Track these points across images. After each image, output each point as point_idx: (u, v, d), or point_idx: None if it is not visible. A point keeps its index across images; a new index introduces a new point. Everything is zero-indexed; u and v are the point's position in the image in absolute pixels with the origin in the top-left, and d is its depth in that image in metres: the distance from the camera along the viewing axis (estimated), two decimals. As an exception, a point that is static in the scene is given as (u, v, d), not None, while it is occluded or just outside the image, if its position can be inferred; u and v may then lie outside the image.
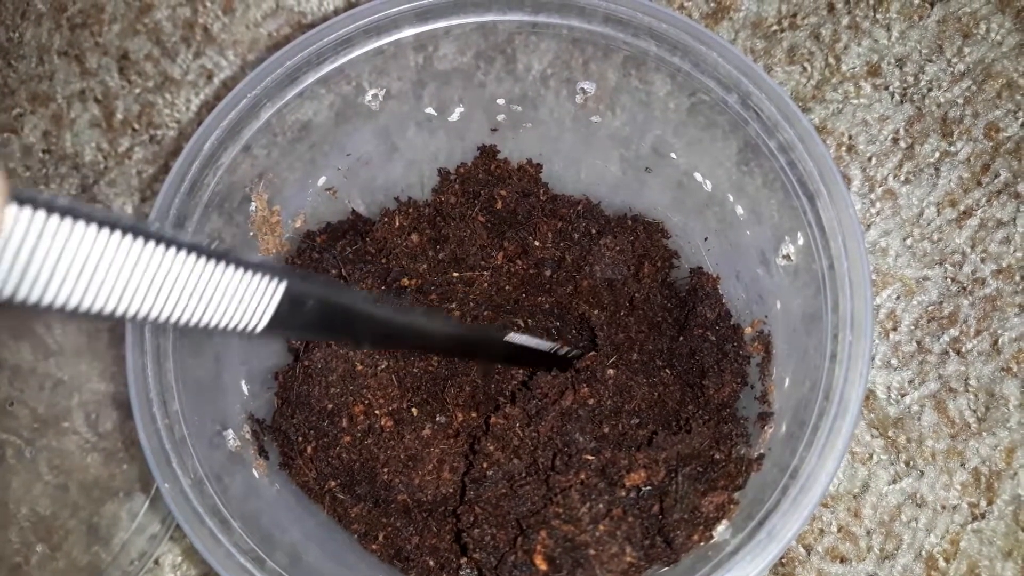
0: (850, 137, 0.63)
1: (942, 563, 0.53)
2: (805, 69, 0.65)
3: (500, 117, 0.52)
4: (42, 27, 0.72)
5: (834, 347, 0.38)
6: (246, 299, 0.29)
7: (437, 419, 0.49)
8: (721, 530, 0.40)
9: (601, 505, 0.39)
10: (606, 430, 0.44)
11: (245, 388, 0.47)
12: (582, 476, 0.40)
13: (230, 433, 0.43)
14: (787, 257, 0.44)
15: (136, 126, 0.68)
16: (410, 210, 0.52)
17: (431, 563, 0.47)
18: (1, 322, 0.63)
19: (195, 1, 0.71)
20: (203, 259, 0.27)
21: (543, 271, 0.54)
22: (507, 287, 0.54)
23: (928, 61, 0.64)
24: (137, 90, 0.69)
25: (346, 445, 0.46)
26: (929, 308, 0.58)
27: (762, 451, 0.42)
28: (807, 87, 0.64)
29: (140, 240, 0.25)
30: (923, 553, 0.53)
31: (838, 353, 0.38)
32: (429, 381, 0.50)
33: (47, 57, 0.71)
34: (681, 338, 0.50)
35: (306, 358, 0.47)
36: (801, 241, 0.42)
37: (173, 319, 0.27)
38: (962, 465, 0.54)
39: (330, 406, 0.46)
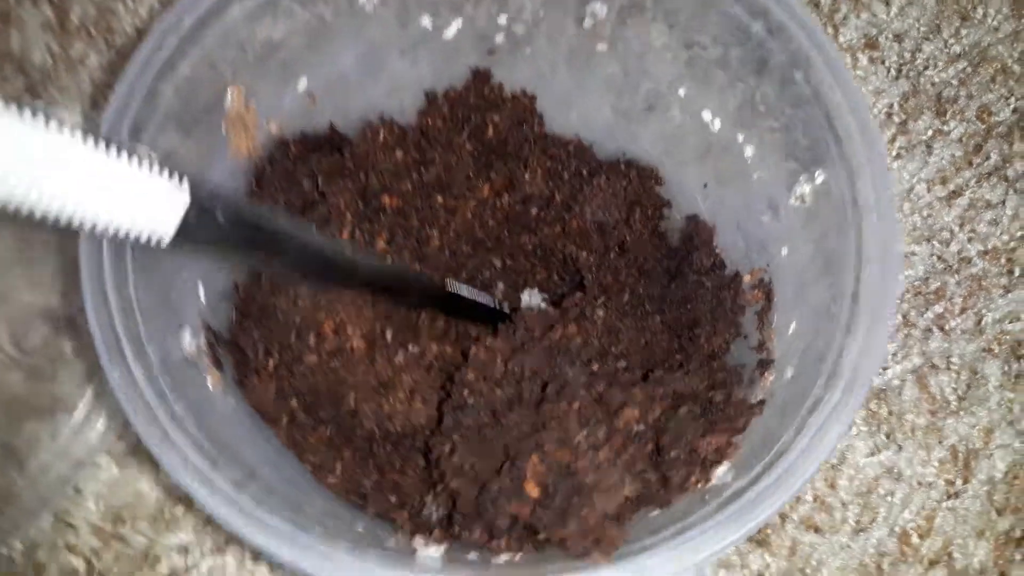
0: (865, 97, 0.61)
1: (915, 539, 0.51)
2: (803, 35, 0.63)
3: (499, 38, 0.49)
4: (-7, -84, 0.66)
5: (856, 286, 0.36)
6: (150, 203, 0.27)
7: (410, 348, 0.45)
8: (721, 472, 0.37)
9: (600, 433, 0.36)
10: (595, 368, 0.41)
11: (202, 293, 0.42)
12: (576, 406, 0.37)
13: (187, 332, 0.39)
14: (800, 198, 0.42)
15: (92, 31, 0.63)
16: (394, 128, 0.49)
17: (392, 499, 0.43)
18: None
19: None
20: (102, 148, 0.25)
21: (530, 208, 0.51)
22: (491, 222, 0.51)
23: (925, 39, 0.63)
24: (96, -9, 0.64)
25: (312, 365, 0.42)
26: (915, 283, 0.56)
27: (762, 397, 0.40)
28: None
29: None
30: (897, 528, 0.51)
31: (861, 291, 0.36)
32: (404, 309, 0.47)
33: (-4, -52, 0.65)
34: (673, 285, 0.47)
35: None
36: (820, 180, 0.40)
37: (69, 217, 0.24)
38: (940, 442, 0.53)
39: (298, 319, 0.42)
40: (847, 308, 0.36)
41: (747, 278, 0.46)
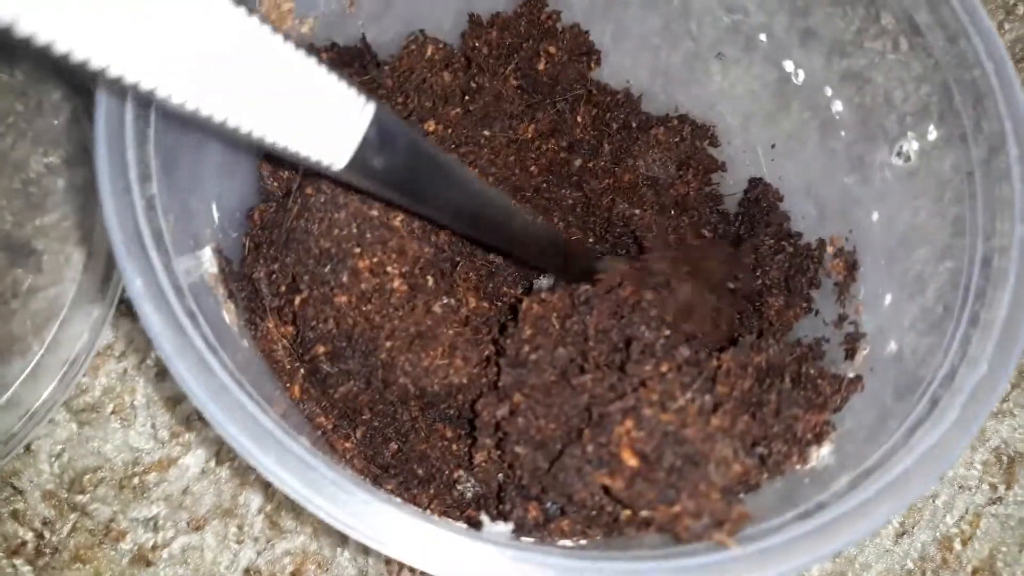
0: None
1: (958, 545, 0.48)
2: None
3: (562, -42, 0.44)
4: None
5: (987, 249, 0.32)
6: (332, 120, 0.24)
7: (446, 300, 0.39)
8: (823, 454, 0.32)
9: (708, 396, 0.31)
10: (669, 333, 0.35)
11: (216, 215, 0.35)
12: (665, 368, 0.32)
13: (206, 253, 0.32)
14: (905, 155, 0.38)
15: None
16: (441, 45, 0.43)
17: (419, 472, 0.37)
18: None
19: None
20: (297, 51, 0.23)
21: (574, 158, 0.46)
22: (532, 168, 0.45)
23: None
24: None
25: (341, 305, 0.36)
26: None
27: (859, 372, 0.35)
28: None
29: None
30: (939, 534, 0.48)
31: (994, 256, 0.32)
32: (440, 256, 0.41)
33: None
34: (743, 248, 0.42)
35: (309, 185, 0.36)
36: (934, 135, 0.36)
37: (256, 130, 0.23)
38: (983, 443, 0.50)
39: (332, 249, 0.35)
40: (974, 281, 0.31)
41: (829, 249, 0.42)
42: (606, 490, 0.30)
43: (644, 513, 0.29)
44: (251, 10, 0.22)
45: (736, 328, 0.41)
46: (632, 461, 0.29)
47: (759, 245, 0.43)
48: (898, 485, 0.27)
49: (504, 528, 0.31)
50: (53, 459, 0.44)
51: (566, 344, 0.34)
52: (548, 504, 0.33)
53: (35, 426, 0.45)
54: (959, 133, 0.34)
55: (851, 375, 0.35)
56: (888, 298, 0.37)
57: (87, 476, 0.44)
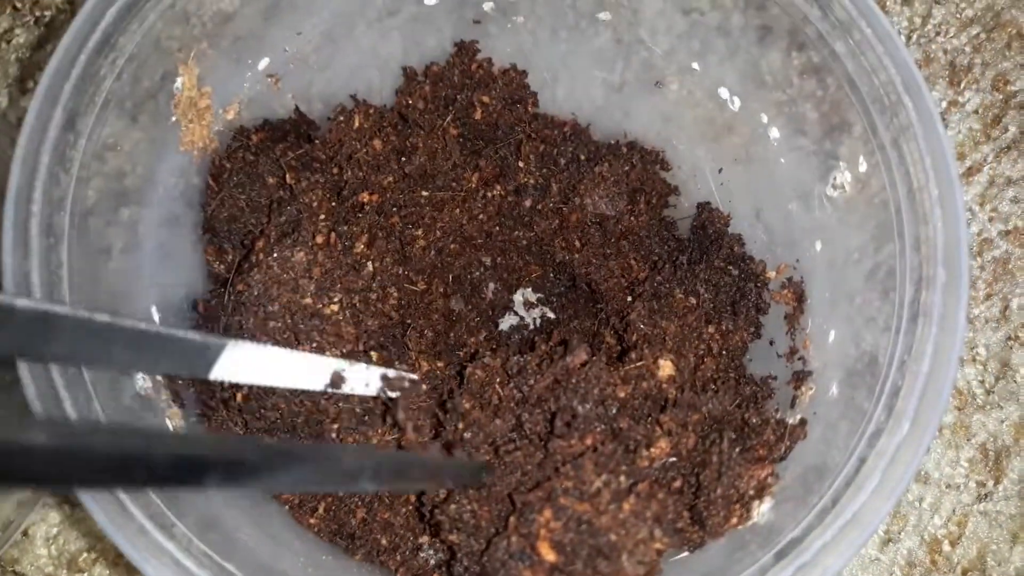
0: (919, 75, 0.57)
1: (947, 547, 0.47)
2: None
3: (487, 6, 0.43)
4: None
5: (915, 289, 0.31)
6: None
7: (397, 367, 0.40)
8: (764, 510, 0.32)
9: (623, 478, 0.31)
10: (610, 392, 0.35)
11: (156, 316, 0.36)
12: (589, 442, 0.32)
13: (138, 377, 0.33)
14: (840, 187, 0.37)
15: (19, 4, 0.56)
16: (370, 111, 0.43)
17: (383, 542, 0.38)
18: None
19: None
20: None
21: (523, 200, 0.46)
22: (480, 216, 0.45)
23: (936, 4, 0.59)
24: (19, -40, 0.57)
25: (286, 394, 0.36)
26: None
27: (802, 416, 0.35)
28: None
29: None
30: (927, 536, 0.47)
31: (923, 300, 0.31)
32: (388, 323, 0.41)
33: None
34: (688, 275, 0.42)
35: (240, 282, 0.36)
36: (864, 167, 0.35)
37: None
38: (969, 440, 0.49)
39: (271, 344, 0.36)
40: (907, 319, 0.31)
41: (772, 275, 0.41)
42: (532, 584, 0.30)
43: None
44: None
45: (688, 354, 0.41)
46: (550, 556, 0.29)
47: (714, 265, 0.43)
48: (822, 559, 0.27)
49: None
50: (49, 542, 0.46)
51: (503, 415, 0.35)
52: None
53: (29, 512, 0.47)
54: (885, 167, 0.34)
55: (796, 420, 0.35)
56: (832, 334, 0.37)
57: (83, 557, 0.46)
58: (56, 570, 0.46)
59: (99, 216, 0.34)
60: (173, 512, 0.28)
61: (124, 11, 0.33)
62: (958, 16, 0.58)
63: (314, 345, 0.36)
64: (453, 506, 0.33)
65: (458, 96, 0.44)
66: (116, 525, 0.26)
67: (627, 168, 0.46)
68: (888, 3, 0.58)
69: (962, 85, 0.57)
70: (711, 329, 0.40)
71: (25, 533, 0.46)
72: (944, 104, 0.56)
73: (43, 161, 0.30)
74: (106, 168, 0.34)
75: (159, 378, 0.34)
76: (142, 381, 0.33)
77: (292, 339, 0.36)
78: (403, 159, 0.43)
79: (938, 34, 0.58)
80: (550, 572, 0.29)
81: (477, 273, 0.47)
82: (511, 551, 0.30)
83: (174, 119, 0.37)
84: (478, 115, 0.44)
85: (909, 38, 0.58)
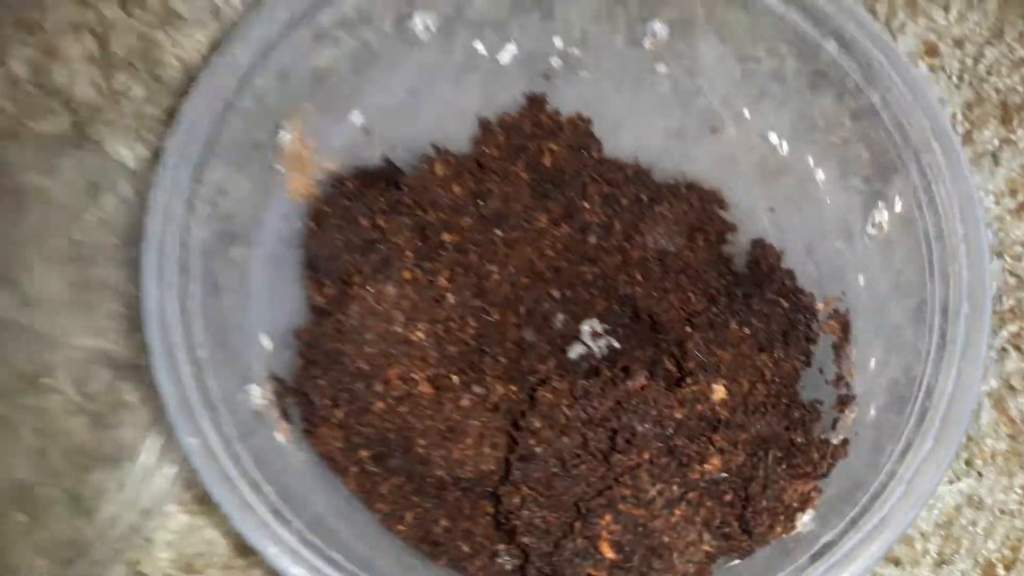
0: (948, 121, 0.60)
1: (1001, 570, 0.49)
2: (860, 44, 0.61)
3: (555, 62, 0.48)
4: (34, -49, 0.66)
5: (944, 321, 0.35)
6: None
7: (475, 390, 0.44)
8: (806, 520, 0.36)
9: (675, 487, 0.35)
10: (668, 413, 0.39)
11: (266, 343, 0.42)
12: (646, 456, 0.36)
13: (254, 388, 0.38)
14: (877, 226, 0.40)
15: (136, 63, 0.63)
16: (450, 159, 0.48)
17: (464, 548, 0.42)
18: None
19: (206, -71, 0.66)
20: None
21: (588, 237, 0.50)
22: (549, 252, 0.50)
23: (988, 44, 0.61)
24: (137, 23, 0.64)
25: (379, 412, 0.41)
26: (989, 300, 0.54)
27: (846, 436, 0.38)
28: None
29: None
30: (981, 559, 0.49)
31: (949, 327, 0.34)
32: (467, 351, 0.46)
33: (38, -17, 0.65)
34: (743, 307, 0.45)
35: (339, 313, 0.42)
36: (899, 207, 0.39)
37: None
38: (1022, 468, 0.51)
39: (365, 367, 0.41)
40: (935, 347, 0.34)
41: (821, 307, 0.45)
42: (593, 579, 0.34)
43: None
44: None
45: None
46: (610, 554, 0.33)
47: (766, 294, 0.46)
48: (851, 561, 0.31)
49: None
50: (168, 547, 0.52)
51: (570, 433, 0.39)
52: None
53: (152, 519, 0.52)
54: (918, 208, 0.37)
55: (839, 440, 0.38)
56: (872, 362, 0.40)
57: (198, 560, 0.51)
58: (175, 571, 0.51)
59: (216, 256, 0.39)
60: (289, 510, 0.33)
61: (241, 76, 0.39)
62: (1010, 56, 0.61)
63: (402, 369, 0.41)
64: (526, 512, 0.37)
65: (529, 144, 0.48)
66: (242, 518, 0.31)
67: (686, 207, 0.50)
68: (941, 46, 0.61)
69: (1014, 123, 0.59)
70: (764, 357, 0.43)
71: (147, 539, 0.52)
72: (996, 142, 0.59)
73: (176, 209, 0.36)
74: (222, 213, 0.40)
75: (269, 396, 0.39)
76: (256, 397, 0.38)
77: (384, 363, 0.41)
78: (479, 202, 0.47)
79: (990, 74, 0.60)
80: (610, 569, 0.33)
81: (547, 305, 0.51)
82: (576, 550, 0.34)
83: (281, 170, 0.42)
84: (547, 161, 0.49)
85: (961, 78, 0.61)
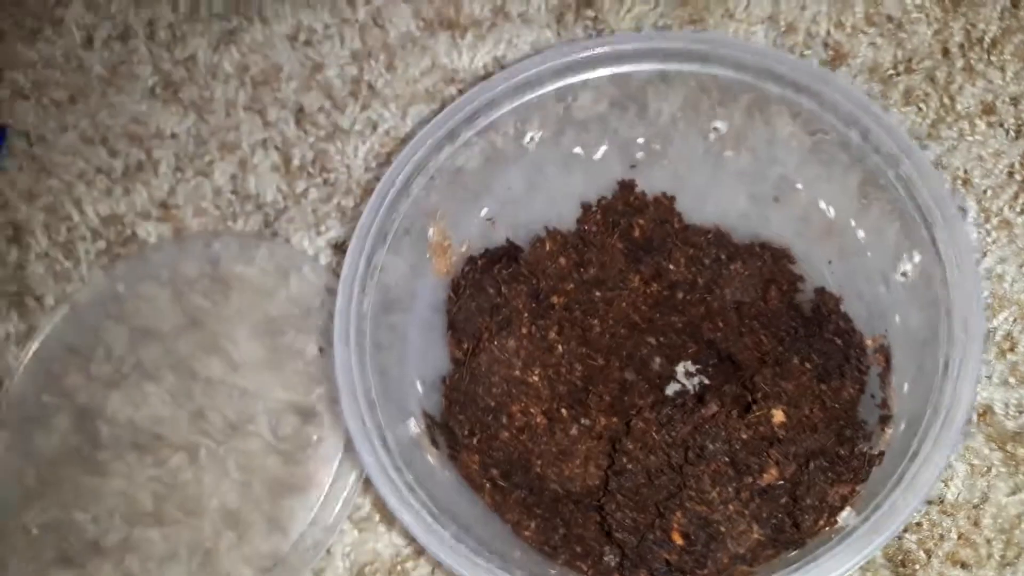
0: (965, 171, 0.67)
1: (1062, 572, 0.55)
2: (920, 109, 0.69)
3: (639, 155, 0.59)
4: (229, 85, 0.83)
5: (948, 348, 0.43)
6: None
7: (582, 422, 0.55)
8: (845, 515, 0.44)
9: (730, 489, 0.45)
10: (735, 435, 0.49)
11: (419, 387, 0.54)
12: (711, 467, 0.46)
13: (412, 421, 0.51)
14: (904, 275, 0.49)
15: (311, 170, 0.78)
16: (557, 237, 0.60)
17: (577, 550, 0.53)
18: (195, 340, 0.72)
19: (361, 60, 0.81)
20: None
21: (676, 293, 0.60)
22: (643, 307, 0.60)
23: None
24: (311, 139, 0.79)
25: (505, 440, 0.53)
26: (1046, 331, 0.61)
27: (882, 449, 0.47)
28: (923, 126, 0.68)
29: None
30: (1044, 562, 0.55)
31: (952, 353, 0.43)
32: (575, 389, 0.57)
33: (233, 111, 0.82)
34: (808, 347, 0.54)
35: (473, 362, 0.54)
36: (918, 259, 0.47)
37: None
38: (1080, 481, 0.57)
39: (493, 404, 0.53)
40: (940, 372, 0.42)
41: (869, 343, 0.53)
42: (667, 562, 0.44)
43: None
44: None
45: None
46: (680, 541, 0.43)
47: (825, 335, 0.55)
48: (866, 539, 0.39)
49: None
50: (345, 557, 0.64)
51: (656, 452, 0.49)
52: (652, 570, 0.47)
53: (331, 535, 0.65)
54: (929, 258, 0.46)
55: (877, 450, 0.47)
56: (906, 386, 0.48)
57: (367, 567, 0.63)
58: (356, 579, 0.64)
59: (381, 321, 0.52)
60: (444, 517, 0.44)
61: (403, 182, 0.52)
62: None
63: (522, 405, 0.53)
64: (619, 515, 0.48)
65: (621, 220, 0.60)
66: (411, 521, 0.43)
67: (759, 264, 0.60)
68: (997, 104, 0.68)
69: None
70: (823, 387, 0.52)
71: (328, 551, 0.65)
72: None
73: (355, 287, 0.49)
74: (390, 284, 0.52)
75: (422, 428, 0.52)
76: (413, 428, 0.50)
77: (509, 400, 0.52)
78: (582, 269, 0.59)
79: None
80: (680, 552, 0.43)
81: (645, 351, 0.61)
82: (656, 540, 0.44)
83: (428, 256, 0.55)
84: (637, 233, 0.59)
85: (1018, 131, 0.68)
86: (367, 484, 0.66)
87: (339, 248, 0.74)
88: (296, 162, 0.79)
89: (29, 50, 0.90)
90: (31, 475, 0.70)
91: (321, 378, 0.69)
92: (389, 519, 0.65)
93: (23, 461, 0.71)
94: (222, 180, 0.79)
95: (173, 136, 0.82)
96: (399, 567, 0.63)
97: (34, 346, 0.74)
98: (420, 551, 0.63)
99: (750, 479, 0.45)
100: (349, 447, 0.66)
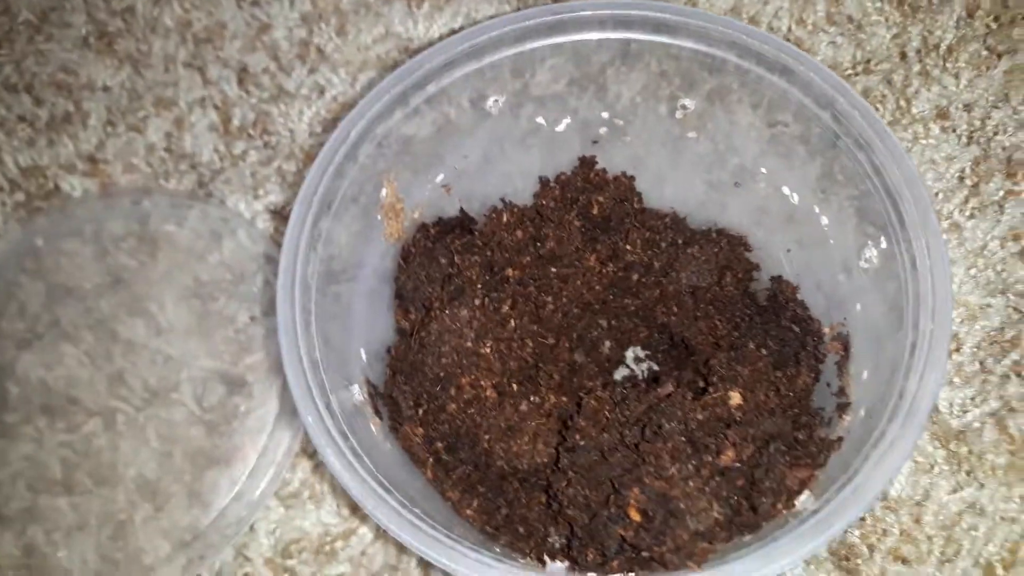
0: (919, 174, 0.67)
1: (1000, 571, 0.55)
2: (877, 109, 0.69)
3: (602, 130, 0.57)
4: (169, 40, 0.79)
5: (915, 336, 0.42)
6: None
7: (532, 399, 0.53)
8: (803, 499, 0.43)
9: (690, 466, 0.43)
10: (690, 415, 0.47)
11: (363, 355, 0.51)
12: (670, 445, 0.44)
13: (355, 388, 0.48)
14: (869, 260, 0.48)
15: (251, 132, 0.74)
16: (514, 210, 0.57)
17: (520, 531, 0.50)
18: (118, 301, 0.68)
19: (311, 23, 0.78)
20: None
21: (631, 275, 0.59)
22: (597, 287, 0.58)
23: (994, 107, 0.69)
24: (253, 100, 0.75)
25: (452, 412, 0.50)
26: (991, 332, 0.61)
27: (841, 435, 0.46)
28: (879, 126, 0.69)
29: None
30: (981, 560, 0.55)
31: (919, 340, 0.42)
32: (525, 366, 0.54)
33: (172, 67, 0.78)
34: (763, 334, 0.53)
35: (422, 331, 0.51)
36: (884, 245, 0.46)
37: None
38: (1022, 479, 0.57)
39: (441, 374, 0.50)
40: (906, 358, 0.42)
41: (827, 330, 0.52)
42: (623, 539, 0.42)
43: (644, 553, 0.41)
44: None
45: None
46: (637, 517, 0.41)
47: (782, 321, 0.54)
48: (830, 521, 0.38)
49: (561, 567, 0.44)
50: (269, 535, 0.61)
51: (609, 430, 0.47)
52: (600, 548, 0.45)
53: (256, 511, 0.62)
54: (897, 245, 0.45)
55: (835, 436, 0.46)
56: (865, 374, 0.47)
57: (293, 546, 0.60)
58: (273, 556, 0.60)
59: (327, 286, 0.49)
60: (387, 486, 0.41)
61: (351, 146, 0.49)
62: (1015, 118, 0.68)
63: (472, 378, 0.50)
64: (571, 491, 0.46)
65: (580, 197, 0.58)
66: (351, 483, 0.40)
67: (716, 250, 0.58)
68: (951, 109, 0.69)
69: (1018, 176, 0.66)
70: (779, 374, 0.51)
71: (252, 527, 0.61)
72: (1002, 193, 0.66)
73: (301, 248, 0.46)
74: (334, 253, 0.50)
75: (365, 397, 0.49)
76: (357, 395, 0.48)
77: (458, 371, 0.50)
78: (538, 244, 0.57)
79: (996, 133, 0.68)
80: (636, 529, 0.41)
81: (595, 333, 0.59)
82: (611, 516, 0.42)
83: (379, 218, 0.52)
84: (595, 211, 0.58)
85: (970, 137, 0.68)
86: (296, 459, 0.62)
87: (277, 214, 0.71)
88: (236, 122, 0.75)
89: (-50, -12, 0.84)
90: (-74, 435, 0.65)
91: (252, 347, 0.66)
92: (318, 497, 0.61)
93: (-85, 419, 0.66)
94: (156, 137, 0.75)
95: (105, 89, 0.78)
96: (327, 546, 0.60)
97: (-62, 298, 0.69)
98: (350, 531, 0.60)
99: (709, 458, 0.44)
100: (279, 420, 0.63)
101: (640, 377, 0.61)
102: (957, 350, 0.61)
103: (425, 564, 0.58)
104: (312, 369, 0.43)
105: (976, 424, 0.59)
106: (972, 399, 0.59)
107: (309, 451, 0.63)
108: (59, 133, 0.76)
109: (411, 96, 0.51)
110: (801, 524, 0.39)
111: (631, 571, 0.44)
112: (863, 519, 0.56)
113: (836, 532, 0.38)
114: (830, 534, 0.38)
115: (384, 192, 0.52)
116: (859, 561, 0.56)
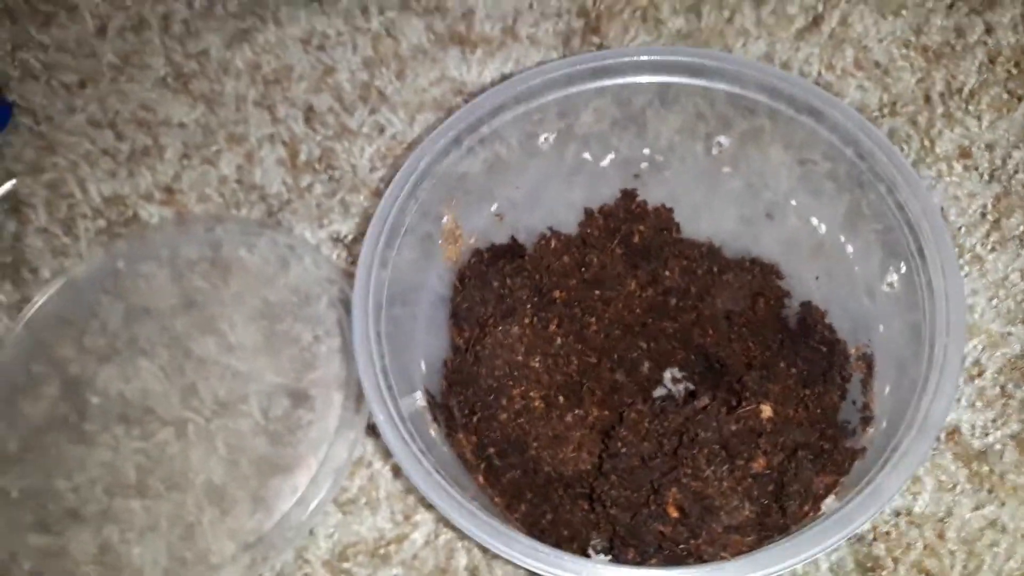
0: (942, 210, 0.71)
1: (1021, 584, 0.58)
2: (903, 149, 0.73)
3: (643, 165, 0.62)
4: (240, 81, 0.85)
5: (931, 352, 0.46)
6: None
7: (576, 411, 0.57)
8: (829, 502, 0.47)
9: (724, 469, 0.47)
10: (723, 427, 0.51)
11: (423, 367, 0.56)
12: (706, 451, 0.48)
13: (417, 394, 0.52)
14: (891, 285, 0.52)
15: (317, 166, 0.80)
16: (561, 237, 0.62)
17: (565, 534, 0.54)
18: (191, 320, 0.74)
19: (372, 67, 0.84)
20: None
21: (669, 299, 0.63)
22: (637, 310, 0.63)
23: (1015, 147, 0.73)
24: (318, 137, 0.81)
25: (503, 421, 0.55)
26: (1012, 359, 0.64)
27: (864, 445, 0.50)
28: (904, 165, 0.73)
29: None
30: (1003, 574, 0.58)
31: (935, 356, 0.46)
32: (570, 381, 0.59)
33: (243, 106, 0.84)
34: (794, 355, 0.57)
35: (477, 345, 0.56)
36: (904, 269, 0.51)
37: None
38: (1042, 501, 0.60)
39: (495, 385, 0.55)
40: (923, 375, 0.45)
41: (853, 351, 0.56)
42: (661, 535, 0.46)
43: (681, 547, 0.45)
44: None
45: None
46: (675, 513, 0.46)
47: (810, 342, 0.58)
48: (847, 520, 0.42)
49: (605, 558, 0.48)
50: (328, 538, 0.65)
51: (649, 439, 0.51)
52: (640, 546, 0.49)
53: (316, 516, 0.66)
54: (915, 270, 0.49)
55: (859, 446, 0.50)
56: (887, 389, 0.51)
57: (349, 549, 0.64)
58: (331, 559, 0.64)
59: (395, 304, 0.54)
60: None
61: (414, 183, 0.54)
62: (1036, 157, 0.72)
63: (522, 389, 0.55)
64: (613, 492, 0.50)
65: (622, 226, 0.63)
66: (416, 475, 0.44)
67: (749, 277, 0.63)
68: (973, 149, 0.73)
69: (1039, 212, 0.70)
70: (807, 392, 0.55)
71: (311, 532, 0.66)
72: (1022, 228, 0.69)
73: (374, 269, 0.51)
74: (398, 277, 0.55)
75: (427, 402, 0.53)
76: (420, 400, 0.52)
77: (510, 383, 0.54)
78: (583, 269, 0.61)
79: (1016, 172, 0.72)
80: (675, 524, 0.45)
81: (635, 354, 0.64)
82: (651, 514, 0.47)
83: (440, 243, 0.58)
84: (636, 240, 0.62)
85: (992, 175, 0.72)
86: (354, 468, 0.67)
87: (340, 241, 0.76)
88: (303, 157, 0.81)
89: (42, 34, 0.91)
90: (14, 440, 0.70)
91: (315, 364, 0.70)
92: (374, 504, 0.66)
93: (6, 426, 0.71)
94: (228, 169, 0.81)
95: (181, 125, 0.84)
96: (382, 550, 0.64)
97: (26, 316, 0.75)
98: (403, 536, 0.64)
99: (741, 462, 0.48)
100: (339, 432, 0.67)
101: (677, 397, 0.64)
102: (979, 375, 0.64)
103: (471, 570, 0.62)
104: (382, 375, 0.48)
105: (997, 446, 0.62)
106: (993, 421, 0.63)
107: (366, 461, 0.67)
108: (139, 165, 0.82)
109: (464, 138, 0.56)
110: (824, 521, 0.42)
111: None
112: (888, 533, 0.59)
113: (856, 528, 0.41)
114: (851, 529, 0.41)
115: (445, 219, 0.57)
116: (884, 573, 0.59)
